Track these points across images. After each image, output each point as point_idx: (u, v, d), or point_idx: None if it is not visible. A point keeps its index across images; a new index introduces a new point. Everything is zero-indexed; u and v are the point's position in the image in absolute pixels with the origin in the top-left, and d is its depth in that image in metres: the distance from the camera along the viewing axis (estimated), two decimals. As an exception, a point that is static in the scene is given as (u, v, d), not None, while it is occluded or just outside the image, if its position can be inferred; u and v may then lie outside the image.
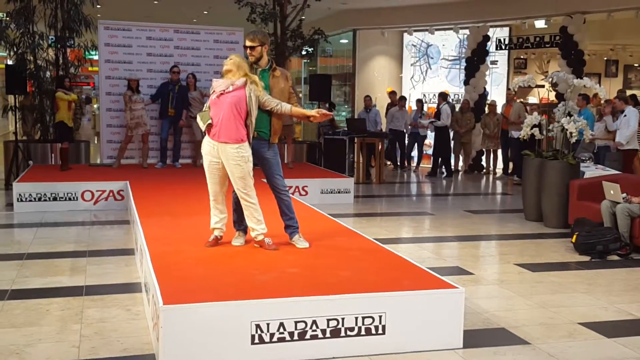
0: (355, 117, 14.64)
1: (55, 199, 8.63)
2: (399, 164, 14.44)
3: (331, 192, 9.71)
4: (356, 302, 3.94)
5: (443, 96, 13.82)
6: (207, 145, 5.05)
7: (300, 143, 13.53)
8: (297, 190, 9.47)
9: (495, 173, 13.82)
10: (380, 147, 12.36)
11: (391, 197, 10.95)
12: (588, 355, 4.12)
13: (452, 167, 13.77)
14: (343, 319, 3.89)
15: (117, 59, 11.26)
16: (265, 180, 5.43)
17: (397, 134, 13.96)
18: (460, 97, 15.03)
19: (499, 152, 13.92)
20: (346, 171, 11.61)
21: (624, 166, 9.58)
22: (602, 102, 10.48)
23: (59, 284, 5.40)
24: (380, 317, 3.96)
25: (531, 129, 8.62)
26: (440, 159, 13.54)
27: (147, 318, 4.45)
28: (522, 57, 16.14)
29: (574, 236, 6.87)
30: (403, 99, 14.34)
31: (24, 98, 12.14)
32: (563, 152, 8.44)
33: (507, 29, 14.90)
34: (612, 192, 6.99)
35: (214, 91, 5.02)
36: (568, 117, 8.37)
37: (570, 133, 8.21)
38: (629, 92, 13.46)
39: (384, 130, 13.83)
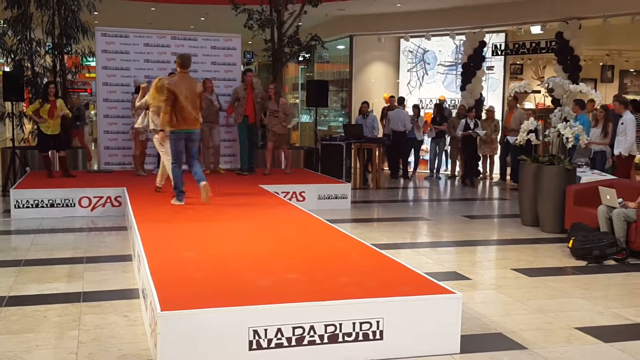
0: (353, 123, 14.63)
1: (52, 205, 8.63)
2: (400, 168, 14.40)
3: (328, 198, 9.72)
4: (354, 308, 3.95)
5: (400, 100, 14.21)
6: None
7: (298, 149, 13.55)
8: (294, 195, 9.48)
9: (492, 178, 13.84)
10: (377, 152, 12.38)
11: (388, 203, 10.96)
12: None
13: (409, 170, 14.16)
14: (341, 324, 3.90)
15: (114, 65, 11.31)
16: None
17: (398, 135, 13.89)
18: (456, 103, 15.08)
19: (496, 157, 13.97)
20: (343, 177, 11.64)
21: (619, 171, 9.60)
22: (598, 106, 10.45)
23: (57, 290, 5.40)
24: (377, 322, 3.97)
25: (527, 134, 8.65)
26: (400, 161, 14.00)
27: (145, 324, 4.46)
28: (518, 62, 16.19)
29: (571, 241, 6.90)
30: (402, 100, 14.34)
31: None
32: (559, 157, 8.47)
33: (503, 35, 14.94)
34: (608, 197, 7.02)
35: None
36: (564, 123, 8.40)
37: (567, 138, 8.24)
38: (628, 98, 13.48)
39: (380, 135, 13.86)
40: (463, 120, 13.22)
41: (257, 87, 11.01)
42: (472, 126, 13.00)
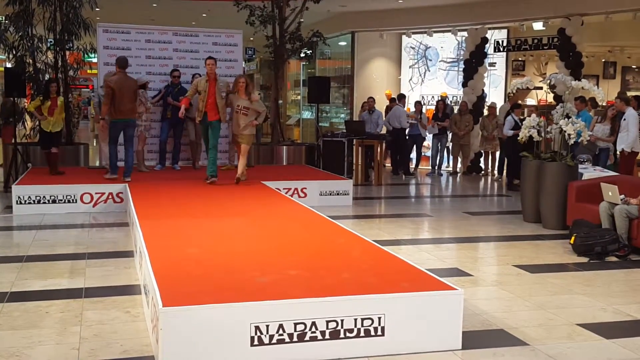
0: (358, 119, 14.51)
1: (54, 201, 8.64)
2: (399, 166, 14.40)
3: (330, 194, 9.72)
4: (355, 304, 3.95)
5: (399, 97, 14.09)
6: None
7: (299, 145, 13.55)
8: (296, 192, 9.48)
9: (493, 175, 13.84)
10: (379, 149, 12.37)
11: (390, 199, 10.96)
12: (587, 356, 4.13)
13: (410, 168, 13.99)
14: (342, 320, 3.90)
15: (116, 61, 11.27)
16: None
17: (399, 132, 13.86)
18: (458, 99, 15.06)
19: (498, 153, 14.00)
20: (345, 173, 11.63)
21: (622, 168, 9.59)
22: (601, 103, 10.43)
23: (59, 286, 5.41)
24: (379, 318, 3.97)
25: (529, 130, 8.63)
26: (398, 158, 13.91)
27: (147, 320, 4.46)
28: (520, 59, 16.17)
29: (573, 237, 6.89)
30: (402, 96, 14.23)
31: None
32: (561, 153, 8.46)
33: (505, 31, 14.93)
34: (610, 193, 7.01)
35: None
36: (566, 119, 8.39)
37: (569, 135, 8.23)
38: (632, 94, 13.45)
39: (383, 132, 13.84)
40: (510, 118, 11.98)
41: (221, 80, 9.38)
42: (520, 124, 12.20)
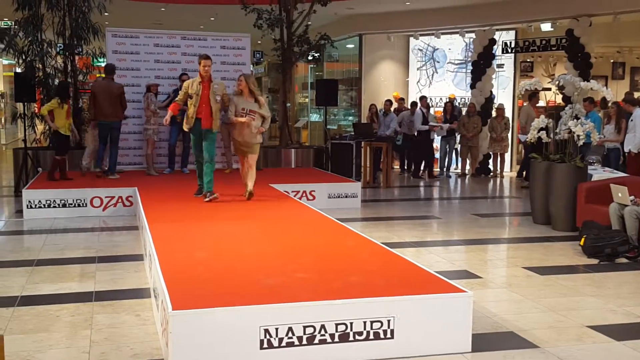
0: (368, 120, 14.45)
1: (64, 205, 8.68)
2: (405, 167, 14.44)
3: (338, 197, 9.72)
4: (364, 307, 3.95)
5: (420, 99, 13.97)
6: None
7: (307, 148, 13.56)
8: (304, 194, 9.49)
9: (502, 176, 13.80)
10: (387, 151, 12.35)
11: (398, 201, 10.95)
12: (597, 358, 4.11)
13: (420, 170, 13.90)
14: (351, 323, 3.91)
15: (125, 66, 11.34)
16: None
17: (408, 138, 13.90)
18: (466, 101, 15.03)
19: (507, 155, 13.98)
20: (353, 175, 11.63)
21: (630, 168, 9.54)
22: (610, 104, 10.39)
23: (69, 290, 5.43)
24: (388, 321, 3.97)
25: (538, 132, 8.61)
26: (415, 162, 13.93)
27: (157, 323, 4.48)
28: (528, 60, 16.11)
29: (582, 239, 6.86)
30: (415, 104, 14.13)
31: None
32: (570, 154, 8.42)
33: (513, 32, 14.88)
34: (620, 194, 6.98)
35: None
36: (575, 120, 8.36)
37: (578, 136, 8.20)
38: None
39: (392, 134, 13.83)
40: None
41: (216, 82, 8.18)
42: None
